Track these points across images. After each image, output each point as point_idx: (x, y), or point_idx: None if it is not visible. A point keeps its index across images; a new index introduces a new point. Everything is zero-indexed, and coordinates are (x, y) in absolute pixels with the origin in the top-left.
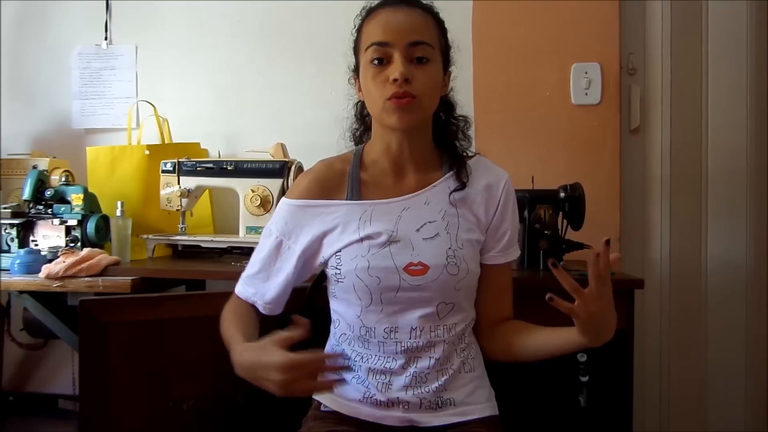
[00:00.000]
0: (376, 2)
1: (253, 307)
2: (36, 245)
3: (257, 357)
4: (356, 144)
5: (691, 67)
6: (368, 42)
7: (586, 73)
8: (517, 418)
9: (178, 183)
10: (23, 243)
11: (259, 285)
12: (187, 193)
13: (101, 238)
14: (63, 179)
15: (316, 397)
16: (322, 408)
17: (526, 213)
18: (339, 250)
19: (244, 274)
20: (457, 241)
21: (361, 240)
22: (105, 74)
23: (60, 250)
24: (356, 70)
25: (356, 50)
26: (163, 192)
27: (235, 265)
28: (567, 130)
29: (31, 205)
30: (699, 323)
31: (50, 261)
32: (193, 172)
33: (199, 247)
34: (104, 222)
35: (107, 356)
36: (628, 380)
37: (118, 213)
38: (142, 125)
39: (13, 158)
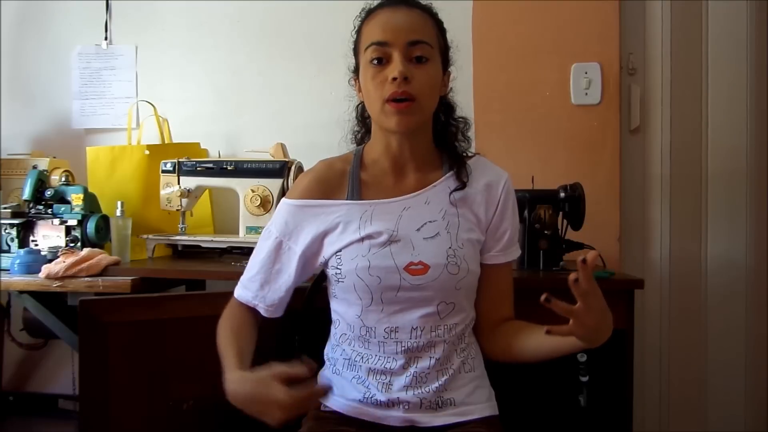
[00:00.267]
0: (375, 3)
1: (252, 312)
2: (36, 245)
3: (258, 390)
4: (357, 146)
5: (691, 67)
6: (367, 42)
7: (586, 73)
8: (517, 418)
9: (178, 183)
10: (23, 243)
11: (259, 287)
12: (187, 193)
13: (101, 238)
14: (63, 179)
15: None
16: (322, 408)
17: (526, 213)
18: (339, 250)
19: (243, 277)
20: (458, 241)
21: (362, 240)
22: (105, 74)
23: (60, 250)
24: (356, 71)
25: (356, 51)
26: (163, 192)
27: (235, 265)
28: (567, 130)
29: (31, 205)
30: (699, 323)
31: (50, 261)
32: (193, 172)
33: (199, 247)
34: (104, 222)
35: (107, 356)
36: (628, 380)
37: (118, 213)
38: (142, 125)
39: (13, 158)
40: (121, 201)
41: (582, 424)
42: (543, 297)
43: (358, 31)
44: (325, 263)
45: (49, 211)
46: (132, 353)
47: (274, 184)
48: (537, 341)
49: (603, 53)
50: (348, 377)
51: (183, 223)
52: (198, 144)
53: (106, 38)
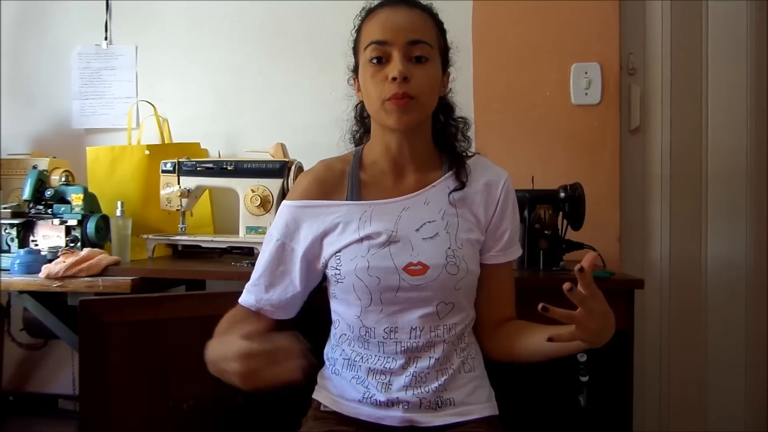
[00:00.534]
0: (375, 2)
1: (257, 316)
2: (36, 245)
3: (219, 349)
4: (356, 146)
5: (691, 67)
6: (367, 41)
7: (586, 73)
8: (517, 418)
9: (178, 183)
10: (23, 243)
11: (264, 290)
12: (187, 193)
13: (101, 238)
14: (63, 179)
15: (316, 396)
16: (322, 408)
17: (526, 213)
18: (339, 251)
19: (247, 284)
20: (457, 241)
21: (361, 240)
22: (105, 74)
23: (60, 250)
24: (355, 71)
25: (355, 50)
26: (163, 192)
27: (235, 265)
28: (567, 130)
29: (31, 205)
30: (699, 323)
31: (50, 261)
32: (193, 172)
33: (199, 247)
34: (104, 222)
35: (107, 356)
36: (628, 380)
37: (118, 213)
38: (142, 125)
39: (13, 158)
40: (121, 201)
41: (582, 424)
42: (540, 306)
43: (358, 30)
44: (325, 264)
45: (49, 211)
46: (132, 353)
47: (274, 184)
48: (539, 342)
49: (603, 53)
50: (347, 377)
51: (183, 223)
52: (198, 144)
53: (106, 38)
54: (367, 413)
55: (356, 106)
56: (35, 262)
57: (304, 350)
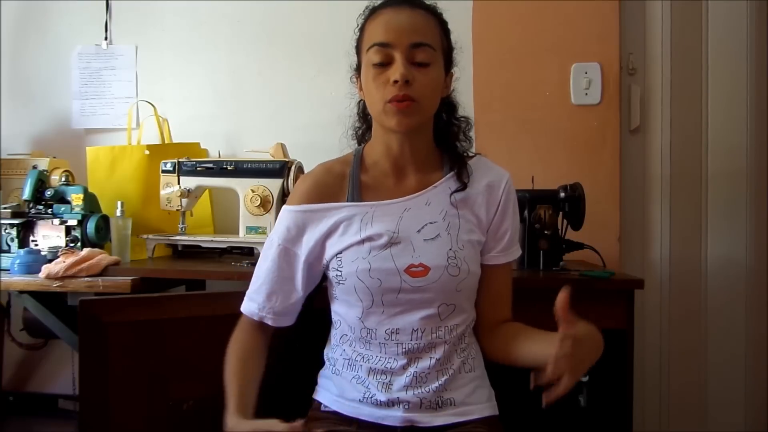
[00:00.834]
0: (379, 1)
1: (261, 329)
2: (36, 245)
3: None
4: (358, 142)
5: (691, 67)
6: (370, 42)
7: (586, 73)
8: (517, 418)
9: (178, 183)
10: (23, 243)
11: (266, 298)
12: (187, 193)
13: (101, 238)
14: (63, 179)
15: (316, 396)
16: (322, 408)
17: (526, 213)
18: (340, 252)
19: (248, 291)
20: (458, 242)
21: (362, 242)
22: (105, 74)
23: (60, 250)
24: (358, 69)
25: (358, 49)
26: (163, 192)
27: (235, 265)
28: (567, 130)
29: (31, 205)
30: (699, 323)
31: (50, 261)
32: (193, 172)
33: (199, 247)
34: (104, 222)
35: (107, 356)
36: (628, 380)
37: (118, 213)
38: (142, 125)
39: (13, 158)
40: (121, 201)
41: (582, 424)
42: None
43: (361, 30)
44: (326, 266)
45: (49, 211)
46: (132, 353)
47: (274, 184)
48: (531, 351)
49: (603, 53)
50: (348, 377)
51: (183, 223)
52: (198, 144)
53: (106, 38)
54: (367, 413)
55: (359, 102)
56: (35, 262)
57: None
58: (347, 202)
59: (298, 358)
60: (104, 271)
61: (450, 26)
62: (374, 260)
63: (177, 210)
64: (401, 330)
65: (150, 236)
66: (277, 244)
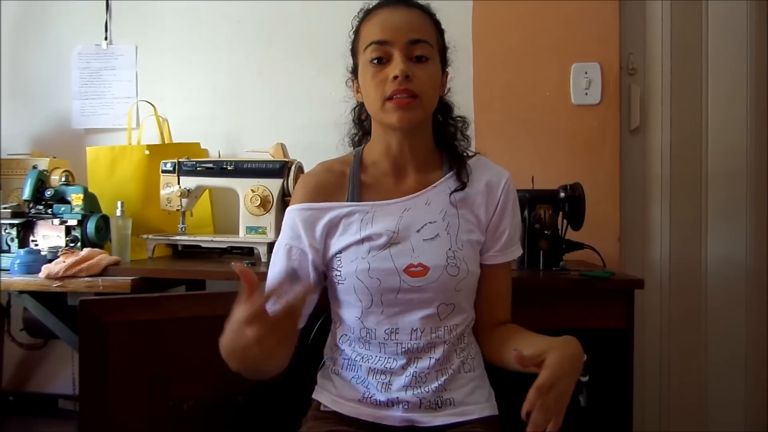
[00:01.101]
0: (373, 3)
1: None
2: (36, 245)
3: (229, 334)
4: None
5: (691, 67)
6: (367, 41)
7: (586, 73)
8: (517, 418)
9: (178, 183)
10: (23, 243)
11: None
12: (187, 193)
13: (101, 238)
14: (63, 179)
15: (316, 396)
16: (322, 408)
17: (526, 213)
18: (339, 252)
19: None
20: (457, 242)
21: (362, 241)
22: (105, 74)
23: (60, 250)
24: (354, 72)
25: (354, 52)
26: (163, 192)
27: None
28: (567, 130)
29: (31, 205)
30: (699, 323)
31: (50, 261)
32: (193, 172)
33: (199, 247)
34: (104, 222)
35: (107, 356)
36: (628, 380)
37: (118, 213)
38: (142, 125)
39: (13, 158)
40: (121, 201)
41: (582, 424)
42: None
43: (357, 32)
44: (327, 265)
45: (49, 211)
46: (132, 353)
47: (274, 184)
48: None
49: (603, 53)
50: (347, 377)
51: (183, 223)
52: (198, 144)
53: (106, 38)
54: (367, 413)
55: (354, 108)
56: (35, 262)
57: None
58: (347, 201)
59: (298, 358)
60: (104, 271)
61: (449, 26)
62: (373, 260)
63: (177, 210)
64: (401, 330)
65: (150, 236)
66: (285, 245)
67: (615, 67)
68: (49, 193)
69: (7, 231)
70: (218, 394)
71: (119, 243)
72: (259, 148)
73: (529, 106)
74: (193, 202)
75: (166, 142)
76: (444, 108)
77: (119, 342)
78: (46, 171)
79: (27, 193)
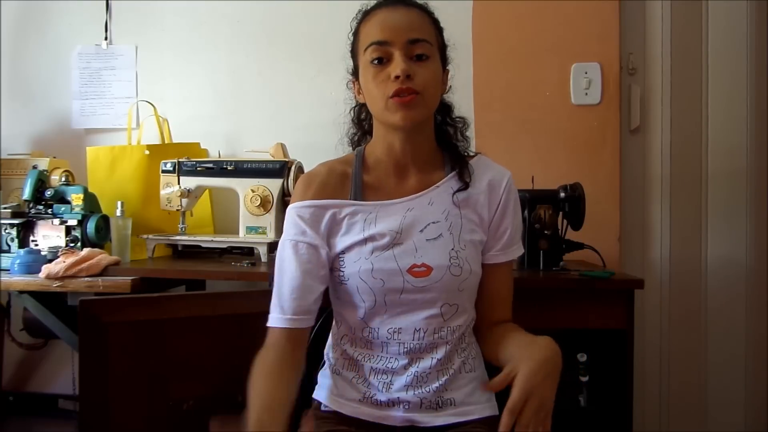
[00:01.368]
0: (372, 4)
1: (288, 336)
2: (36, 245)
3: None
4: (354, 148)
5: (691, 67)
6: (367, 42)
7: (586, 73)
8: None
9: (178, 183)
10: (23, 243)
11: (289, 296)
12: (187, 193)
13: (101, 238)
14: (63, 179)
15: (316, 396)
16: (322, 408)
17: (526, 213)
18: (342, 251)
19: (273, 302)
20: (460, 242)
21: (365, 241)
22: (105, 74)
23: (60, 250)
24: (354, 74)
25: (354, 53)
26: (163, 192)
27: (235, 265)
28: (567, 130)
29: (31, 205)
30: (699, 323)
31: (50, 261)
32: (193, 172)
33: (199, 247)
34: (104, 222)
35: (107, 356)
36: (628, 380)
37: (118, 213)
38: (142, 125)
39: (13, 158)
40: (121, 201)
41: (582, 424)
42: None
43: (356, 33)
44: (330, 265)
45: (49, 211)
46: (132, 353)
47: (274, 184)
48: (506, 356)
49: (603, 53)
50: (348, 377)
51: (183, 223)
52: (198, 144)
53: (106, 38)
54: (367, 413)
55: (353, 109)
56: (35, 262)
57: None
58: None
59: None
60: (104, 271)
61: (449, 26)
62: (377, 260)
63: (177, 210)
64: (404, 330)
65: (150, 236)
66: (289, 241)
67: (615, 67)
68: (49, 193)
69: (7, 231)
70: (218, 394)
71: (119, 243)
72: (259, 148)
73: (529, 106)
74: (193, 202)
75: (166, 142)
76: (443, 108)
77: (119, 342)
78: (46, 171)
79: (27, 193)
